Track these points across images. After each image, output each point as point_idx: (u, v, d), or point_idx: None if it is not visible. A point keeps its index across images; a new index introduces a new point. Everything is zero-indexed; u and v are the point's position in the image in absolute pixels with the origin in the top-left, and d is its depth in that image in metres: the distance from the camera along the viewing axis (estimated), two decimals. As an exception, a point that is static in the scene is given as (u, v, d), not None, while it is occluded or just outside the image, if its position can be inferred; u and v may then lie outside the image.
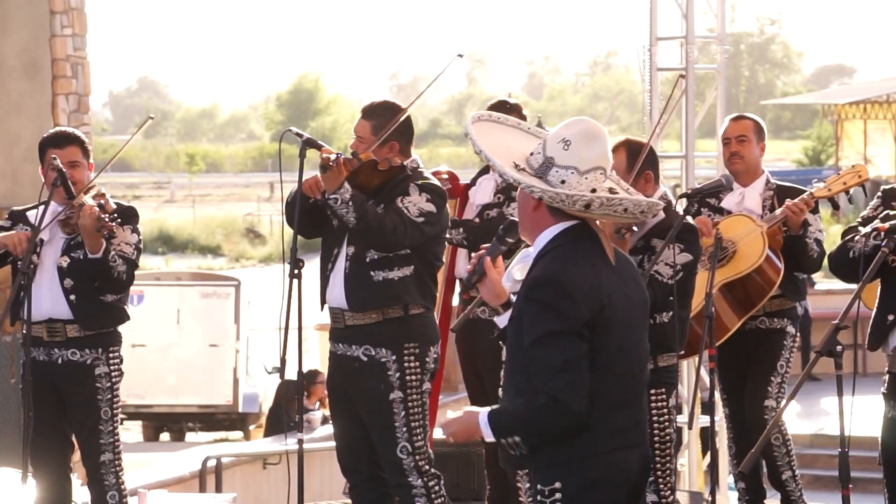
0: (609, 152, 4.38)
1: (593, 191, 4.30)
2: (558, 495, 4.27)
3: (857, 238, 5.66)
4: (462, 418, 4.36)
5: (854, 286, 5.28)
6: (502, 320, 4.46)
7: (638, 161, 6.15)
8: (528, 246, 4.52)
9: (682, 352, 6.34)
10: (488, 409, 4.33)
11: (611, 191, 4.35)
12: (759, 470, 7.31)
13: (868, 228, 5.70)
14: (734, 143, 7.28)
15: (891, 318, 5.48)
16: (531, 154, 4.40)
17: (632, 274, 4.49)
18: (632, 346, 4.39)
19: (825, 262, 6.43)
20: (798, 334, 7.27)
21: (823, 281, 22.12)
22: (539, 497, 4.31)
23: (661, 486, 6.10)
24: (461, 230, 7.16)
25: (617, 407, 4.30)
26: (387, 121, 6.34)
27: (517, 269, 4.49)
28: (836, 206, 7.19)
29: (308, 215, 6.36)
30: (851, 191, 7.14)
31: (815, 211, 7.13)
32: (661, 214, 6.16)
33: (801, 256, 7.03)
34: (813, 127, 59.99)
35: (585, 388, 4.21)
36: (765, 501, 7.41)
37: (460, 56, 6.45)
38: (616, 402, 4.30)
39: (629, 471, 4.33)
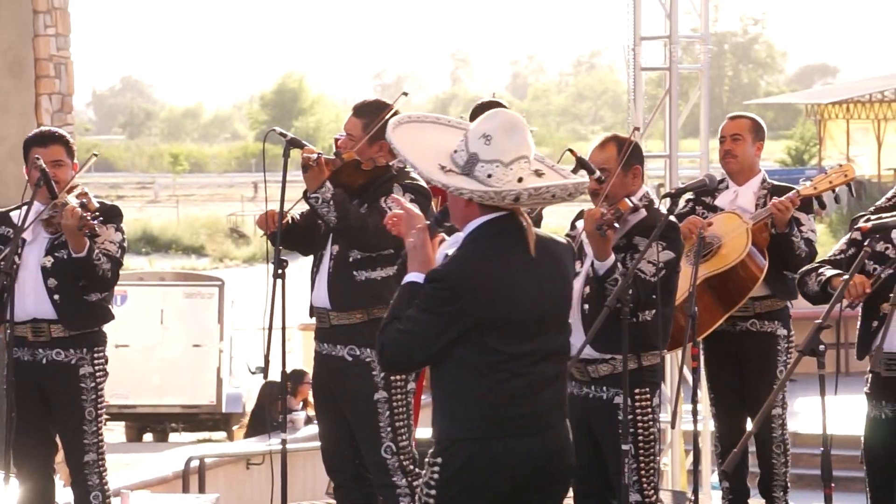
0: (529, 139, 4.49)
1: (520, 180, 4.42)
2: (436, 468, 4.48)
3: (812, 274, 5.72)
4: (422, 254, 4.51)
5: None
6: (419, 276, 4.55)
7: (624, 154, 6.16)
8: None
9: (666, 350, 6.34)
10: (417, 279, 4.50)
11: (537, 172, 4.48)
12: (744, 469, 7.33)
13: (817, 263, 5.77)
14: (728, 142, 7.29)
15: (875, 324, 5.49)
16: (455, 151, 4.50)
17: (557, 268, 4.58)
18: (541, 342, 4.50)
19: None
20: (790, 334, 7.25)
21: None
22: (427, 461, 4.52)
23: (645, 485, 6.10)
24: (443, 235, 7.15)
25: (515, 397, 4.45)
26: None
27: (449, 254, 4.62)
28: (822, 205, 7.20)
29: (287, 235, 6.37)
30: (837, 190, 7.16)
31: (809, 211, 7.13)
32: (643, 212, 6.17)
33: (789, 255, 7.04)
34: (796, 127, 60.15)
35: (411, 363, 4.62)
36: (749, 501, 7.43)
37: (405, 95, 6.45)
38: (515, 393, 4.45)
39: (522, 456, 4.46)
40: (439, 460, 4.48)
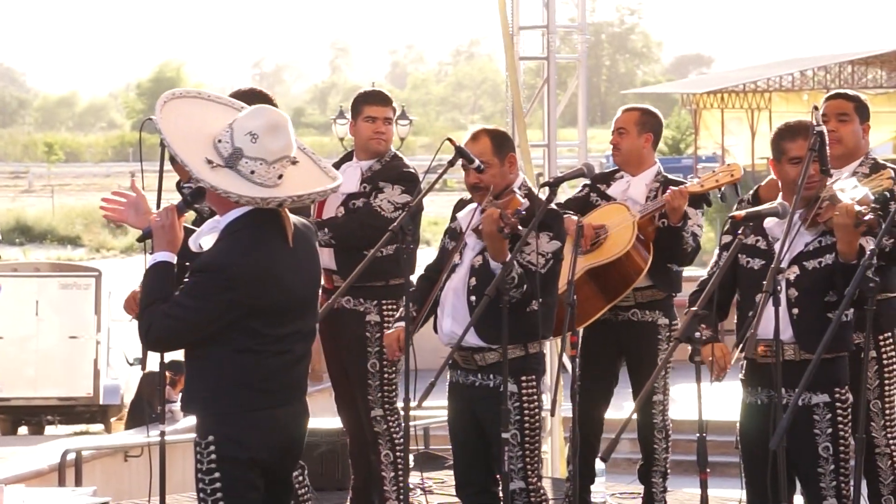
0: (292, 138, 4.73)
1: (280, 176, 4.67)
2: (212, 448, 4.66)
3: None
4: (170, 233, 4.73)
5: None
6: (168, 256, 4.74)
7: (503, 146, 6.18)
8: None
9: (548, 338, 6.36)
10: (167, 259, 4.69)
11: (293, 161, 4.71)
12: (591, 454, 7.32)
13: (696, 290, 5.87)
14: (615, 135, 7.34)
15: (751, 314, 5.55)
16: (219, 141, 4.70)
17: (311, 253, 4.85)
18: (300, 324, 4.77)
19: None
20: (672, 322, 7.29)
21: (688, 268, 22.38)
22: (197, 449, 4.69)
23: (529, 472, 6.10)
24: (326, 230, 7.10)
25: (275, 372, 4.70)
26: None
27: (206, 239, 4.77)
28: (708, 204, 7.26)
29: None
30: (723, 188, 7.22)
31: (698, 206, 7.18)
32: (525, 202, 6.18)
33: (676, 249, 7.08)
34: (672, 116, 60.82)
35: (176, 346, 4.77)
36: (591, 486, 7.46)
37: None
38: (275, 369, 4.70)
39: (281, 427, 4.73)
40: (211, 438, 4.65)
